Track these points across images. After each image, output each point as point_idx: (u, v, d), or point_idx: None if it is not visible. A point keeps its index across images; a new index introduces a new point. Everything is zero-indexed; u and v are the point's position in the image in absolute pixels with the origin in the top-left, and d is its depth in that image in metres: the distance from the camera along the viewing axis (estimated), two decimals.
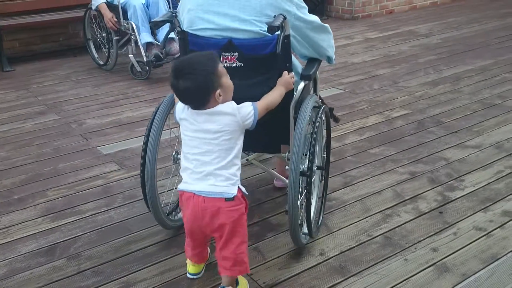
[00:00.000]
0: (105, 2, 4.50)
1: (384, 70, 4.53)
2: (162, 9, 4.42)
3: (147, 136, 2.07)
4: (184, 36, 1.98)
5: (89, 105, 3.91)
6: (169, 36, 4.37)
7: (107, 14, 4.47)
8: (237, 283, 1.88)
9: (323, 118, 2.17)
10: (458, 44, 5.26)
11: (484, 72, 4.35)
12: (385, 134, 3.23)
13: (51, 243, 2.23)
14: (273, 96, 1.86)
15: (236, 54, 1.91)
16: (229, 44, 1.90)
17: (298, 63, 2.17)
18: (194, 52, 1.86)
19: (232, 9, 1.89)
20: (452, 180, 2.65)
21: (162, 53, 4.40)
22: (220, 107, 1.69)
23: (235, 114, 1.70)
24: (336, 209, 2.42)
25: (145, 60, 4.34)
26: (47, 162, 2.99)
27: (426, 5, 7.28)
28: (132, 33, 4.40)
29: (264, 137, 2.02)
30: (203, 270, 2.01)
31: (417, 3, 7.19)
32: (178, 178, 1.84)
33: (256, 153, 2.41)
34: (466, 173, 2.71)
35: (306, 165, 1.93)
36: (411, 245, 2.14)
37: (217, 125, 1.69)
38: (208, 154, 1.71)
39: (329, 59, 2.25)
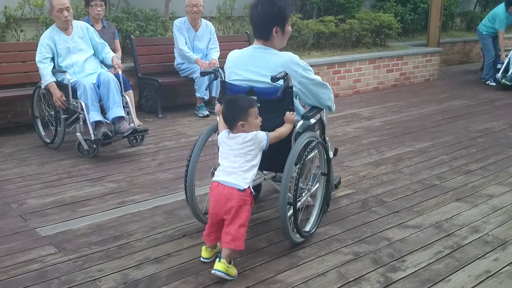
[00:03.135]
0: (54, 81, 4.53)
1: None
2: (113, 89, 4.48)
3: (189, 157, 2.90)
4: (224, 84, 2.91)
5: (31, 184, 3.80)
6: (120, 115, 4.43)
7: (56, 93, 4.48)
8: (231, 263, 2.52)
9: (322, 151, 3.00)
10: (398, 127, 5.55)
11: (423, 153, 4.58)
12: (330, 213, 3.28)
13: None
14: (283, 130, 2.72)
15: (255, 97, 2.73)
16: (250, 91, 2.77)
17: (301, 107, 2.94)
18: (228, 95, 2.81)
19: (255, 67, 2.78)
20: (394, 260, 2.69)
21: (111, 131, 4.41)
22: (245, 134, 2.58)
23: (253, 138, 2.57)
24: None
25: (93, 138, 4.32)
26: None
27: (369, 90, 7.72)
28: (81, 112, 4.40)
29: (274, 160, 2.78)
30: (213, 258, 2.61)
31: (360, 88, 7.62)
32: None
33: (271, 173, 3.13)
34: (408, 254, 2.76)
35: (295, 175, 2.66)
36: None
37: (242, 144, 2.57)
38: (235, 162, 2.56)
39: (329, 108, 3.05)
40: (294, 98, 2.77)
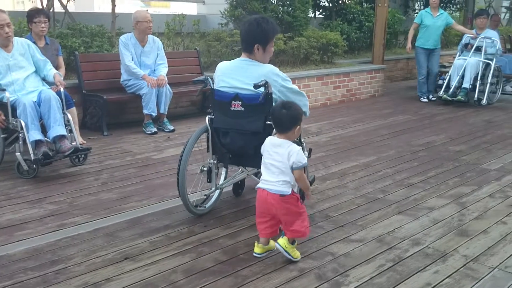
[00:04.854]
0: None
1: None
2: (54, 107, 4.36)
3: (182, 152, 3.29)
4: (212, 91, 3.34)
5: None
6: (61, 133, 4.31)
7: None
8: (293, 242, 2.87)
9: None
10: (344, 142, 5.65)
11: (368, 168, 4.68)
12: None
13: None
14: None
15: (240, 102, 3.21)
16: (236, 96, 3.22)
17: None
18: (217, 101, 3.31)
19: (241, 76, 3.22)
20: (338, 275, 2.71)
21: (52, 150, 4.28)
22: (290, 147, 2.77)
23: (299, 152, 2.78)
24: None
25: (32, 158, 4.17)
26: None
27: (317, 106, 7.86)
28: (21, 131, 4.25)
29: (256, 157, 3.11)
30: (265, 253, 2.91)
31: (309, 104, 7.72)
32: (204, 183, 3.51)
33: (254, 170, 3.58)
34: (351, 268, 2.79)
35: None
36: None
37: (282, 155, 2.78)
38: (278, 169, 2.78)
39: (304, 113, 3.28)
40: (273, 104, 3.15)
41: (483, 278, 2.70)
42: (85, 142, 5.20)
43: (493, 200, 3.85)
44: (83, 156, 4.62)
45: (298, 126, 2.84)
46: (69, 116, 4.55)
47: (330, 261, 2.87)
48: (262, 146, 2.91)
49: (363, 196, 3.94)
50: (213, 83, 3.39)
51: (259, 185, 2.87)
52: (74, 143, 4.44)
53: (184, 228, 3.30)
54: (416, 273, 2.75)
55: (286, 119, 2.81)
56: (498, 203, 3.79)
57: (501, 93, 8.42)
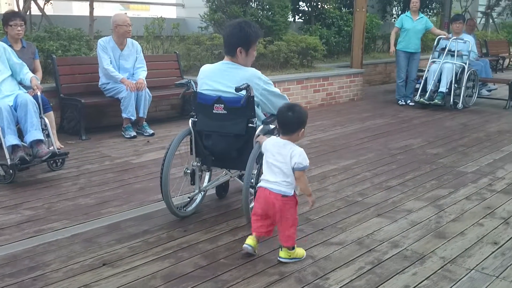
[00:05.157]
0: None
1: None
2: (31, 111, 4.30)
3: (166, 154, 3.29)
4: (195, 94, 3.36)
5: None
6: (38, 138, 4.26)
7: None
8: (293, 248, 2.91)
9: None
10: (324, 145, 5.69)
11: (347, 171, 4.72)
12: None
13: None
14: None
15: (222, 105, 3.24)
16: (218, 99, 3.25)
17: (261, 114, 3.41)
18: (200, 104, 3.32)
19: (223, 79, 3.25)
20: (318, 278, 2.73)
21: (29, 155, 4.22)
22: (294, 149, 2.78)
23: (302, 153, 2.79)
24: None
25: (9, 163, 4.10)
26: None
27: None
28: None
29: (240, 159, 3.29)
30: (256, 248, 2.92)
31: None
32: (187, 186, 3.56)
33: (237, 172, 3.59)
34: (331, 271, 2.81)
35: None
36: None
37: (284, 156, 2.79)
38: (280, 170, 2.79)
39: None
40: (256, 107, 3.24)
41: (460, 279, 2.75)
42: (62, 146, 5.13)
43: (469, 202, 3.92)
44: (60, 160, 4.56)
45: (303, 129, 2.85)
46: (46, 120, 4.50)
47: (310, 264, 2.89)
48: (264, 145, 2.92)
49: (342, 199, 3.97)
50: (196, 86, 3.41)
51: (260, 184, 2.88)
52: (51, 148, 4.38)
53: (164, 233, 3.27)
54: (395, 275, 2.78)
55: (293, 122, 2.82)
56: (474, 205, 3.86)
57: (477, 97, 8.57)
